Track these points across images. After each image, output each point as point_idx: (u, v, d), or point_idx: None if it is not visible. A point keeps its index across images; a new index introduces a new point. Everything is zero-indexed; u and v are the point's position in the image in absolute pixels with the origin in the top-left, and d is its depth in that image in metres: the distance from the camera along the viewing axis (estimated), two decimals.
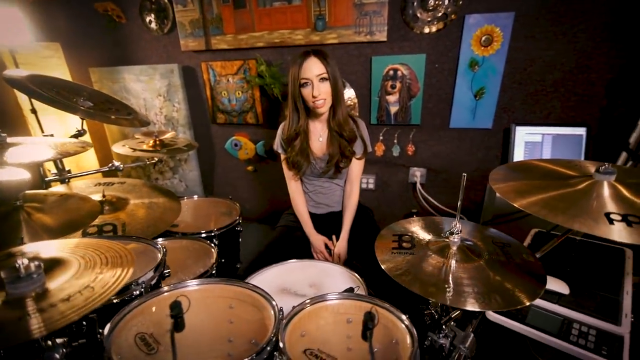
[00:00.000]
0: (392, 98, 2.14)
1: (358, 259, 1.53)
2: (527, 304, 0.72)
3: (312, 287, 1.10)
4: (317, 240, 1.59)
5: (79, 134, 1.58)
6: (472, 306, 0.72)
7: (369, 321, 0.49)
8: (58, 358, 0.53)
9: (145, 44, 2.61)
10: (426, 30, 1.98)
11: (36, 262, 0.52)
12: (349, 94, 2.23)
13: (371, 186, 2.40)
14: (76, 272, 0.56)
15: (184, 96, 2.61)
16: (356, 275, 1.13)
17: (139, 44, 2.63)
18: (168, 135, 2.01)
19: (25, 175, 0.76)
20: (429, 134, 2.18)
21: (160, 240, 1.51)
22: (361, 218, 1.66)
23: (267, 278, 1.14)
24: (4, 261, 0.57)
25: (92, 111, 1.51)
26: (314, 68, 1.34)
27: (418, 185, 2.27)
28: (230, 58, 2.41)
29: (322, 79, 1.36)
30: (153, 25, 2.52)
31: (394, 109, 2.17)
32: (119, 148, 1.80)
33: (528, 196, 0.87)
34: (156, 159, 2.14)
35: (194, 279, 0.87)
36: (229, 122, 2.62)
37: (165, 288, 0.77)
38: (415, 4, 1.95)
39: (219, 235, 1.62)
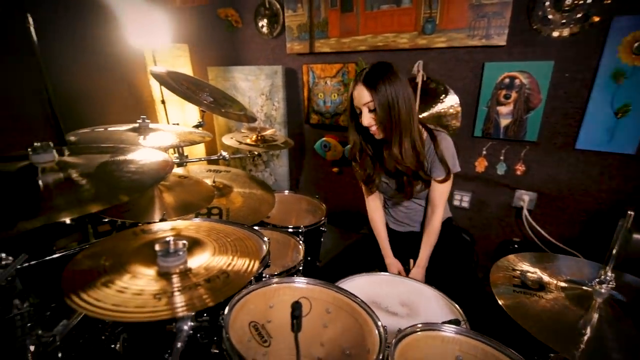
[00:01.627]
0: (504, 109, 1.92)
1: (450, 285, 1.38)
2: None
3: (404, 306, 1.03)
4: (392, 265, 1.45)
5: (200, 125, 1.78)
6: None
7: None
8: (186, 329, 0.58)
9: (256, 46, 2.84)
10: (556, 34, 1.72)
11: (183, 241, 0.58)
12: (452, 101, 2.07)
13: (465, 204, 2.19)
14: (212, 255, 0.61)
15: (284, 96, 2.77)
16: (455, 305, 1.02)
17: (250, 46, 2.88)
18: (269, 132, 2.14)
19: (165, 156, 0.87)
20: (547, 154, 1.89)
21: (257, 229, 1.60)
22: (455, 243, 1.50)
23: (356, 286, 1.11)
24: (154, 234, 0.65)
25: (213, 105, 1.68)
26: (360, 97, 1.24)
27: (524, 211, 1.98)
28: (330, 61, 2.47)
29: (371, 110, 1.24)
30: (264, 29, 2.73)
31: (504, 122, 1.93)
32: (227, 140, 1.99)
33: None
34: (256, 152, 2.30)
35: (287, 274, 0.89)
36: (322, 123, 2.69)
37: (275, 279, 0.80)
38: (547, 3, 1.71)
39: (305, 232, 1.66)
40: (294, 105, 2.81)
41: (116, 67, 2.59)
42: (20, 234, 0.52)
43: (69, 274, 0.58)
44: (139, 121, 1.33)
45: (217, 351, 0.60)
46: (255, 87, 2.86)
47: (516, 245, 2.02)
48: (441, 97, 2.11)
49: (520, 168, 1.96)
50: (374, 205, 1.57)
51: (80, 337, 0.92)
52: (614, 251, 0.68)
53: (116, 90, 2.63)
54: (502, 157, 2.00)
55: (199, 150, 3.22)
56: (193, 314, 0.60)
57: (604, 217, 1.78)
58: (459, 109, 2.07)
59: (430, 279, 1.37)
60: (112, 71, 2.57)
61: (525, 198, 1.97)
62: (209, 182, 1.59)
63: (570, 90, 1.75)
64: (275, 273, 1.23)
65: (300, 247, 1.50)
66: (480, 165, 2.07)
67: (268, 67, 2.73)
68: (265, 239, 1.04)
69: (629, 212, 0.67)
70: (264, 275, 1.04)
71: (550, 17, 1.72)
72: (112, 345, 0.79)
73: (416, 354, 0.68)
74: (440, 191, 1.40)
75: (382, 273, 1.17)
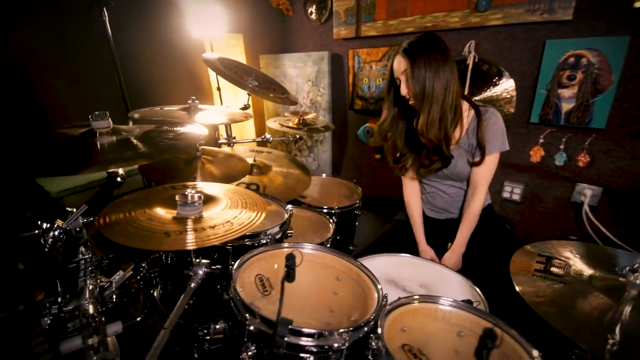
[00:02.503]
0: (567, 92, 1.71)
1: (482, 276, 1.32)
2: None
3: (422, 287, 1.02)
4: (425, 251, 1.42)
5: (245, 107, 1.91)
6: None
7: (487, 339, 0.41)
8: (200, 274, 0.67)
9: (305, 33, 2.90)
10: (638, 4, 1.47)
11: (199, 194, 0.67)
12: (506, 84, 1.91)
13: (516, 197, 2.02)
14: (224, 208, 0.69)
15: (329, 82, 2.79)
16: (478, 290, 0.98)
17: (300, 34, 2.94)
18: (310, 116, 2.21)
19: (204, 131, 0.98)
20: (617, 143, 1.65)
21: (289, 206, 1.69)
22: (495, 231, 1.42)
23: (378, 264, 1.12)
24: (180, 190, 0.75)
25: (257, 89, 1.79)
26: (398, 65, 1.24)
27: (585, 207, 1.77)
28: (376, 45, 2.42)
29: (407, 79, 1.22)
30: (313, 15, 2.77)
31: (567, 106, 1.73)
32: (271, 123, 2.10)
33: None
34: (298, 135, 2.38)
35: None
36: (365, 108, 2.67)
37: (286, 244, 0.86)
38: None
39: (338, 213, 1.69)
40: (338, 91, 2.82)
41: (178, 56, 2.85)
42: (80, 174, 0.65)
43: (104, 213, 0.72)
44: (189, 101, 1.48)
45: (227, 298, 0.68)
46: (302, 73, 2.93)
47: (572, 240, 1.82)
48: (494, 80, 1.96)
49: (583, 159, 1.75)
50: (411, 188, 1.54)
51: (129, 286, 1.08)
52: None
53: (178, 77, 2.91)
54: (562, 147, 1.80)
55: (250, 133, 3.43)
56: (208, 262, 0.69)
57: None
58: (514, 92, 1.90)
59: (463, 265, 1.32)
60: (175, 60, 2.84)
61: (587, 193, 1.76)
62: (250, 160, 1.71)
63: None
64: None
65: (330, 226, 1.55)
66: (536, 154, 1.89)
67: (315, 54, 2.78)
68: (289, 207, 1.10)
69: None
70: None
71: None
72: (152, 291, 0.92)
73: (414, 324, 0.68)
74: (483, 171, 1.31)
75: (405, 255, 1.15)
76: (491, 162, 1.29)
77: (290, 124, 2.05)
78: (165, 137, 0.88)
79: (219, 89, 2.83)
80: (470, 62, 1.96)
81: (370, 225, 2.70)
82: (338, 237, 1.73)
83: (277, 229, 0.96)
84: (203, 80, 3.07)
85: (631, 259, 0.81)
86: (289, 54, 2.98)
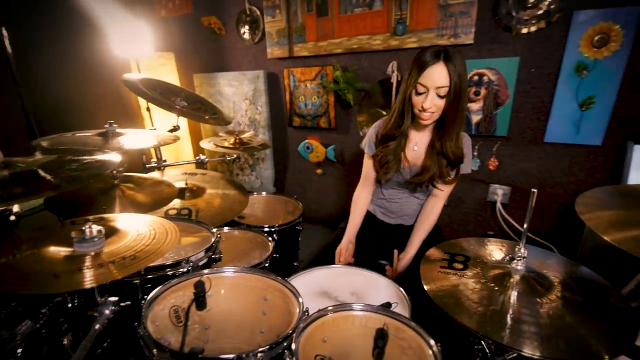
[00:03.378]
0: (475, 106, 1.95)
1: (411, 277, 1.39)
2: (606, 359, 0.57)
3: (353, 295, 1.06)
4: (348, 242, 1.45)
5: (174, 129, 1.84)
6: (530, 350, 0.60)
7: (379, 339, 0.44)
8: (108, 313, 0.62)
9: (239, 52, 2.91)
10: (523, 30, 1.75)
11: (99, 228, 0.63)
12: None
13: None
14: (128, 241, 0.65)
15: (267, 100, 2.82)
16: (403, 291, 1.05)
17: (233, 53, 2.95)
18: (246, 135, 2.19)
19: (117, 158, 0.92)
20: (517, 148, 1.91)
21: (226, 228, 1.64)
22: (428, 236, 1.52)
23: (311, 279, 1.14)
24: (81, 224, 0.70)
25: (186, 110, 1.74)
26: (436, 77, 1.13)
27: (498, 205, 2.00)
28: (309, 64, 2.52)
29: (440, 96, 1.16)
30: (246, 35, 2.80)
31: (476, 118, 1.96)
32: (205, 144, 2.04)
33: (629, 229, 0.69)
34: (234, 155, 2.35)
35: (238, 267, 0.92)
36: (304, 125, 2.73)
37: (206, 270, 0.84)
38: (510, 1, 1.74)
39: (279, 231, 1.69)
40: (277, 109, 2.86)
41: (100, 76, 2.66)
42: None
43: None
44: (106, 126, 1.38)
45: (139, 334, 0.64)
46: (239, 92, 2.92)
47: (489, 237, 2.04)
48: None
49: (493, 163, 1.98)
50: (366, 192, 1.56)
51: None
52: (525, 226, 0.71)
53: (101, 98, 2.71)
54: (475, 153, 2.03)
55: (188, 155, 3.29)
56: (116, 299, 0.64)
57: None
58: None
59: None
60: (97, 80, 2.65)
61: (499, 192, 1.99)
62: (182, 184, 1.64)
63: (537, 85, 1.78)
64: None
65: (270, 244, 1.54)
66: None
67: (250, 72, 2.80)
68: (214, 230, 1.08)
69: (532, 190, 0.70)
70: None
71: (514, 14, 1.76)
72: (61, 338, 0.83)
73: (334, 333, 0.71)
74: (451, 186, 1.40)
75: (337, 265, 1.19)
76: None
77: (226, 144, 2.02)
78: (68, 167, 0.81)
79: (148, 109, 2.68)
80: (394, 80, 2.13)
81: (317, 239, 2.73)
82: (277, 255, 1.72)
83: (201, 254, 0.93)
84: (131, 101, 2.89)
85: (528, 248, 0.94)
86: (224, 72, 2.96)
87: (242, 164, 3.16)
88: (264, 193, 2.14)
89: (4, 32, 1.64)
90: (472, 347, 0.78)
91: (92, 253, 0.63)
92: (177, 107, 1.70)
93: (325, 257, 1.51)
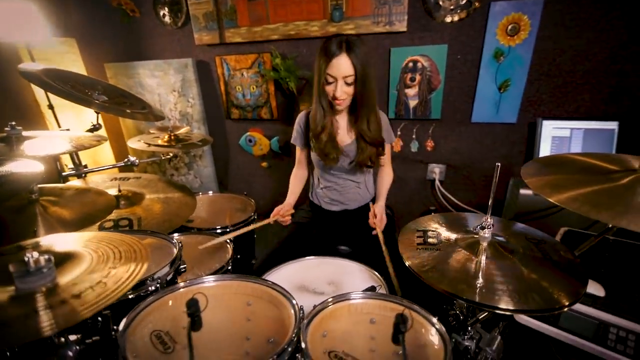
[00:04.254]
0: (411, 91, 2.07)
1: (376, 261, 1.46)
2: (567, 304, 0.66)
3: (330, 284, 1.06)
4: (288, 205, 1.55)
5: (95, 128, 1.57)
6: (506, 304, 0.67)
7: (401, 324, 0.44)
8: (71, 356, 0.50)
9: (160, 38, 2.60)
10: (448, 19, 1.90)
11: (46, 256, 0.49)
12: None
13: None
14: (88, 267, 0.53)
15: (199, 91, 2.59)
16: (376, 274, 1.08)
17: (153, 39, 2.62)
18: (182, 131, 1.99)
19: (38, 167, 0.74)
20: (450, 129, 2.10)
21: (176, 235, 1.49)
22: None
23: (284, 275, 1.10)
24: (15, 255, 0.54)
25: (107, 105, 1.49)
26: (342, 68, 1.23)
27: (437, 182, 2.19)
28: (244, 52, 2.38)
29: (348, 84, 1.27)
30: (167, 19, 2.51)
31: (413, 103, 2.09)
32: (134, 143, 1.80)
33: (565, 191, 0.81)
34: (171, 154, 2.13)
35: (211, 274, 0.84)
36: (244, 117, 2.59)
37: (182, 284, 0.74)
38: None
39: (233, 231, 1.59)
40: (212, 100, 2.65)
41: None
42: None
43: None
44: (7, 129, 1.11)
45: None
46: (164, 83, 2.63)
47: (432, 214, 2.23)
48: None
49: (429, 144, 2.15)
50: (300, 171, 1.70)
51: None
52: (490, 201, 0.78)
53: None
54: (414, 136, 2.17)
55: (108, 159, 2.87)
56: (78, 336, 0.52)
57: (500, 179, 2.05)
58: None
59: (357, 255, 1.43)
60: None
61: (436, 170, 2.17)
62: (113, 191, 1.41)
63: (463, 71, 1.96)
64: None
65: (228, 246, 1.44)
66: (397, 145, 2.22)
67: (176, 61, 2.53)
68: (175, 241, 0.96)
69: (497, 164, 0.77)
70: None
71: (441, 3, 1.89)
72: None
73: (332, 326, 0.70)
74: (385, 156, 1.55)
75: (309, 257, 1.17)
76: (388, 148, 1.56)
77: (160, 142, 1.81)
78: None
79: (51, 107, 2.24)
80: None
81: (270, 233, 2.66)
82: (238, 256, 1.63)
83: (167, 269, 0.82)
84: (25, 98, 2.38)
85: (479, 218, 1.04)
86: (144, 61, 2.62)
87: (176, 163, 2.88)
88: (210, 192, 1.99)
89: None
90: (446, 315, 0.84)
91: (44, 289, 0.48)
92: (97, 101, 1.45)
93: (283, 252, 1.48)
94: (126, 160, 1.74)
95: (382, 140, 1.45)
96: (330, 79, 1.27)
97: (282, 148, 2.56)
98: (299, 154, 1.65)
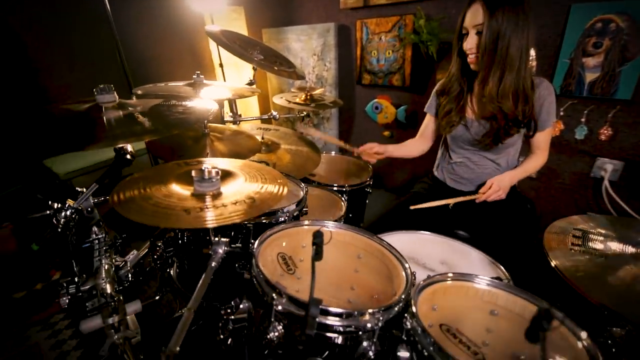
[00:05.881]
0: (591, 61, 1.62)
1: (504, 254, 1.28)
2: None
3: (443, 264, 1.00)
4: (383, 147, 1.52)
5: (251, 82, 1.83)
6: None
7: (543, 320, 0.37)
8: (221, 252, 0.64)
9: (309, 3, 2.76)
10: None
11: (216, 169, 0.62)
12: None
13: None
14: (243, 184, 0.65)
15: (336, 55, 2.68)
16: (502, 268, 0.95)
17: (303, 4, 2.80)
18: (318, 92, 2.12)
19: (214, 105, 0.92)
20: None
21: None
22: (517, 210, 1.37)
23: (394, 242, 1.09)
24: (195, 166, 0.71)
25: (263, 62, 1.70)
26: (472, 16, 1.12)
27: (605, 182, 1.72)
28: (386, 14, 2.30)
29: (479, 33, 1.12)
30: None
31: (591, 76, 1.64)
32: (277, 99, 2.02)
33: None
34: (304, 112, 2.31)
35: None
36: (374, 83, 2.57)
37: (306, 222, 0.83)
38: None
39: (349, 192, 1.66)
40: (346, 65, 2.71)
41: (179, 31, 2.74)
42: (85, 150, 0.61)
43: (117, 190, 0.69)
44: (194, 76, 1.41)
45: (249, 276, 0.66)
46: (307, 47, 2.81)
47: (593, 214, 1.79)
48: None
49: (605, 132, 1.68)
50: (417, 142, 1.63)
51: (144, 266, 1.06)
52: None
53: (179, 53, 2.81)
54: (583, 119, 1.73)
55: (254, 111, 3.35)
56: (227, 240, 0.65)
57: None
58: (534, 63, 1.80)
59: (481, 243, 1.28)
60: (175, 36, 2.73)
61: (607, 167, 1.70)
62: (258, 138, 1.65)
63: None
64: None
65: (342, 204, 1.52)
66: (554, 128, 1.82)
67: (320, 25, 2.65)
68: (303, 185, 1.06)
69: None
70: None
71: None
72: (168, 270, 0.90)
73: (445, 303, 0.66)
74: (543, 138, 1.31)
75: (425, 232, 1.12)
76: (548, 132, 1.29)
77: (297, 100, 1.98)
78: (175, 111, 0.83)
79: (221, 65, 2.73)
80: None
81: (379, 203, 2.67)
82: (351, 215, 1.70)
83: (294, 206, 0.93)
84: (205, 57, 2.97)
85: None
86: (293, 26, 2.85)
87: (306, 123, 3.13)
88: (333, 153, 2.11)
89: None
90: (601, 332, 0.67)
91: (211, 193, 0.64)
92: (255, 59, 1.67)
93: (394, 219, 1.45)
94: (269, 114, 1.98)
95: (514, 114, 1.19)
96: (464, 31, 1.17)
97: (407, 118, 2.45)
98: (427, 122, 1.56)
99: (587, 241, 0.68)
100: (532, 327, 0.39)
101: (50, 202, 0.78)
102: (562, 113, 1.77)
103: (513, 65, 1.12)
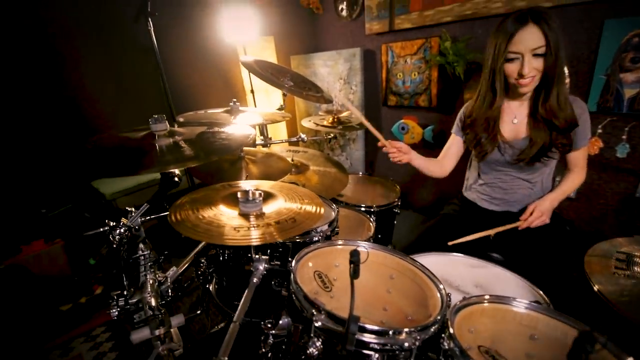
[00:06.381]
0: (630, 77, 1.57)
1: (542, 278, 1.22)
2: None
3: (477, 287, 0.97)
4: (409, 150, 1.49)
5: (281, 107, 1.93)
6: None
7: (586, 343, 0.36)
8: (261, 269, 0.68)
9: (335, 30, 2.89)
10: None
11: (259, 191, 0.67)
12: None
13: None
14: (283, 203, 0.69)
15: (362, 79, 2.76)
16: (540, 292, 0.91)
17: (330, 32, 2.94)
18: (344, 114, 2.19)
19: (251, 130, 0.99)
20: None
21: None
22: (556, 232, 1.31)
23: (427, 263, 1.08)
24: (236, 188, 0.77)
25: (293, 88, 1.79)
26: (529, 40, 1.07)
27: None
28: (411, 37, 2.36)
29: (537, 55, 1.09)
30: (344, 12, 2.75)
31: (630, 92, 1.58)
32: (306, 122, 2.10)
33: None
34: (332, 134, 2.38)
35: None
36: (400, 104, 2.60)
37: (340, 242, 0.85)
38: None
39: (377, 212, 1.66)
40: (371, 88, 2.78)
41: (214, 61, 2.95)
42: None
43: (173, 210, 0.75)
44: (230, 104, 1.51)
45: (286, 293, 0.68)
46: (333, 71, 2.92)
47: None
48: None
49: None
50: (440, 162, 1.54)
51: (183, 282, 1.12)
52: None
53: (214, 81, 3.02)
54: (624, 137, 1.65)
55: (282, 134, 3.47)
56: (267, 257, 0.69)
57: None
58: (567, 79, 1.77)
59: (517, 266, 1.23)
60: (211, 65, 2.94)
61: None
62: (288, 159, 1.72)
63: None
64: None
65: (371, 224, 1.52)
66: (593, 146, 1.74)
67: (346, 51, 2.76)
68: (334, 206, 1.09)
69: None
70: None
71: None
72: (207, 285, 0.95)
73: (482, 326, 0.64)
74: (582, 155, 1.30)
75: (458, 254, 1.10)
76: (585, 149, 1.29)
77: (325, 123, 2.05)
78: (218, 137, 0.90)
79: (252, 91, 2.89)
80: None
81: (407, 224, 2.64)
82: (380, 236, 1.70)
83: (326, 226, 0.96)
84: (237, 84, 3.15)
85: None
86: (320, 52, 2.98)
87: (333, 144, 3.19)
88: (360, 173, 2.13)
89: (150, 24, 1.91)
90: None
91: (255, 213, 0.69)
92: (286, 85, 1.76)
93: (425, 241, 1.42)
94: (298, 136, 2.06)
95: (574, 121, 1.19)
96: (513, 56, 1.12)
97: (435, 138, 2.44)
98: (450, 143, 1.52)
99: (633, 265, 0.65)
100: (575, 351, 0.38)
101: (106, 220, 0.87)
102: (600, 130, 1.71)
103: (563, 77, 1.15)
